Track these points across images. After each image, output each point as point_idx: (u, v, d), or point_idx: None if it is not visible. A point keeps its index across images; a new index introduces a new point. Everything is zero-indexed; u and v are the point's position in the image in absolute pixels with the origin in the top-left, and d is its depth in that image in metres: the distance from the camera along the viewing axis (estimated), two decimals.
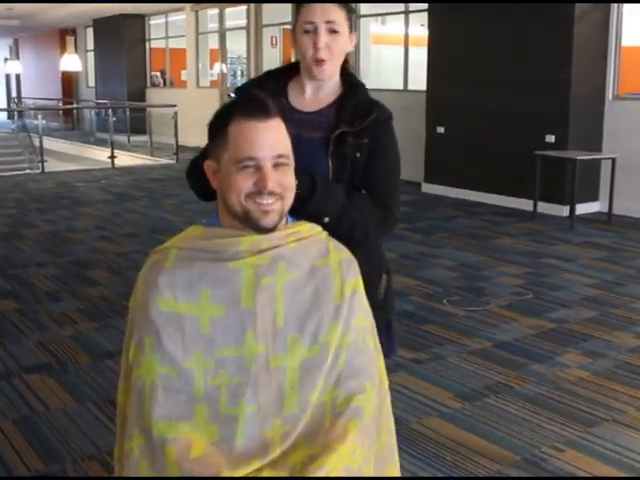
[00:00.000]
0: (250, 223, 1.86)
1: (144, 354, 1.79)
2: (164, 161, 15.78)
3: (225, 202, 1.88)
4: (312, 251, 1.91)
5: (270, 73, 2.43)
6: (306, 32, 2.23)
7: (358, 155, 2.27)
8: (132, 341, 1.84)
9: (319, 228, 2.00)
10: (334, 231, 2.08)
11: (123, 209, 10.11)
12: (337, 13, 2.24)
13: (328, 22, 2.22)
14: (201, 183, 2.05)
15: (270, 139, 1.83)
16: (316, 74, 2.27)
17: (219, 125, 1.87)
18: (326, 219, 2.13)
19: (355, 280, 1.93)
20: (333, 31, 2.23)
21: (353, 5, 2.34)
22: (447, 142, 10.93)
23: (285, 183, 1.86)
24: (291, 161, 1.89)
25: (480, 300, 5.90)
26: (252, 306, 1.80)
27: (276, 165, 1.84)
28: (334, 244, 1.98)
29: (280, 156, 1.84)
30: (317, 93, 2.34)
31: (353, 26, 2.30)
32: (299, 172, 1.97)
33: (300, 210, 2.04)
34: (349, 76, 2.37)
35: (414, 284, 6.34)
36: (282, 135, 1.86)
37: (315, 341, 1.83)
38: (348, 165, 2.26)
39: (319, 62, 2.24)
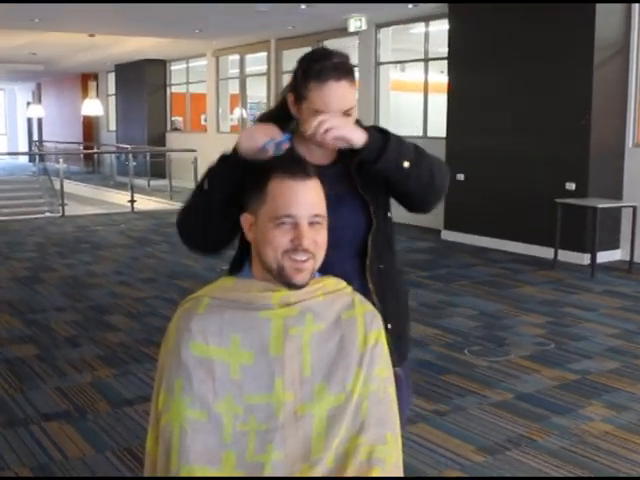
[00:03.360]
0: (282, 279, 1.90)
1: (173, 397, 1.81)
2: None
3: (260, 255, 1.93)
4: (338, 304, 1.96)
5: (268, 116, 2.32)
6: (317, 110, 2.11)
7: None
8: (162, 387, 1.86)
9: (344, 283, 2.03)
10: (416, 177, 2.15)
11: (142, 254, 10.13)
12: (353, 96, 2.17)
13: (346, 111, 2.14)
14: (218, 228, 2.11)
15: (308, 198, 1.89)
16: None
17: (258, 179, 1.93)
18: (406, 163, 2.13)
19: (378, 331, 1.98)
20: (346, 114, 2.14)
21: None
22: (467, 189, 10.86)
23: (319, 241, 1.91)
24: (325, 221, 1.94)
25: (501, 350, 5.83)
26: (281, 354, 1.85)
27: (311, 224, 1.89)
28: (359, 298, 2.02)
29: (316, 215, 1.90)
30: (321, 150, 2.21)
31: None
32: (365, 128, 2.06)
33: (380, 159, 2.08)
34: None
35: (434, 333, 6.27)
36: (320, 196, 1.93)
37: (342, 389, 1.87)
38: (381, 185, 2.22)
39: None
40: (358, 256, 2.25)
